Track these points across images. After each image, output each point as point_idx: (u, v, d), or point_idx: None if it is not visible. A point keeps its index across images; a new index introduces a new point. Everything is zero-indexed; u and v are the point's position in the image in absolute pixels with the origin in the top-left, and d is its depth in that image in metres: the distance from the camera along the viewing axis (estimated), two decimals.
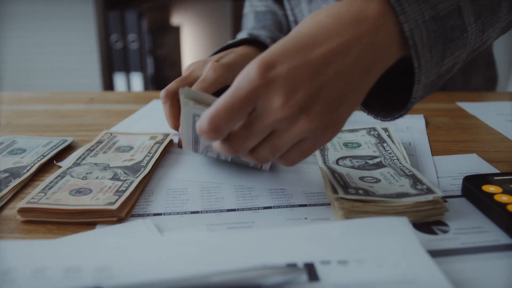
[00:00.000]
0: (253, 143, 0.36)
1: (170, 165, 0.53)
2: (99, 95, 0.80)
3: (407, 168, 0.47)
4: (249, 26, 0.92)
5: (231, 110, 0.34)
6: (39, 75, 2.03)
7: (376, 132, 0.56)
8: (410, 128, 0.63)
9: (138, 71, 1.85)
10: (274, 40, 0.89)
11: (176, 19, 2.07)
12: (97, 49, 1.85)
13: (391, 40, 0.36)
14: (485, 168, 0.51)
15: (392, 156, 0.50)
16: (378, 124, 0.61)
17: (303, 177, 0.49)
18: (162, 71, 1.90)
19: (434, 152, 0.56)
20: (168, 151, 0.56)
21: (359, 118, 0.67)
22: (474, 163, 0.53)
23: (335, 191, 0.42)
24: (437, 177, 0.49)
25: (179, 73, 1.63)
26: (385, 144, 0.53)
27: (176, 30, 2.04)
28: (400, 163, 0.48)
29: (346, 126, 0.62)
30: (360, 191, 0.41)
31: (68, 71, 2.02)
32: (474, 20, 0.40)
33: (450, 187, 0.47)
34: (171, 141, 0.58)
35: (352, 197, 0.40)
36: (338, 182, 0.43)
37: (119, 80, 1.86)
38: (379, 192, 0.42)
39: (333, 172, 0.46)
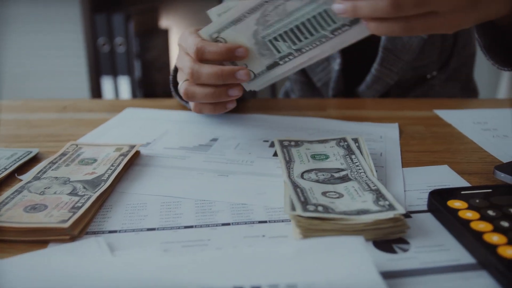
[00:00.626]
0: None
1: (133, 179, 0.51)
2: (72, 103, 0.79)
3: (372, 182, 0.46)
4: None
5: None
6: (26, 78, 2.01)
7: (346, 143, 0.55)
8: (383, 137, 0.62)
9: (125, 75, 1.83)
10: None
11: (165, 22, 2.06)
12: (84, 53, 1.84)
13: None
14: (455, 181, 0.50)
15: (359, 169, 0.49)
16: (348, 134, 0.60)
17: (266, 191, 0.48)
18: (150, 75, 1.89)
19: (405, 163, 0.54)
20: (133, 163, 0.55)
21: (332, 127, 0.66)
22: (444, 176, 0.51)
23: (293, 208, 0.40)
24: (405, 191, 0.48)
25: (167, 77, 1.62)
26: (353, 156, 0.52)
27: (165, 33, 2.02)
28: (366, 176, 0.47)
29: (316, 136, 0.60)
30: (320, 208, 0.40)
31: (55, 74, 2.00)
32: None
33: (416, 202, 0.46)
34: (137, 153, 0.57)
35: (310, 214, 0.39)
36: (298, 198, 0.42)
37: (107, 84, 1.85)
38: (340, 208, 0.41)
39: (295, 187, 0.45)
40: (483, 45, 0.60)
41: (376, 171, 0.52)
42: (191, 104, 0.56)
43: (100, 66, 1.83)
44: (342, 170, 0.49)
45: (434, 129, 0.65)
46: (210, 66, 0.51)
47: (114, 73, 1.84)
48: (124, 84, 1.85)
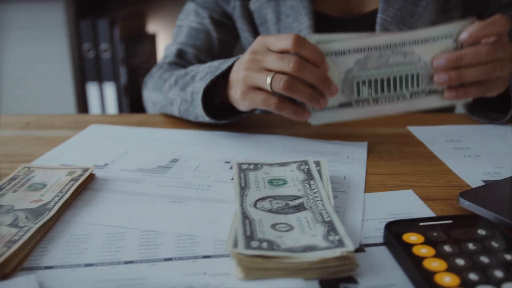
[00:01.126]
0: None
1: (82, 206, 0.49)
2: (36, 119, 0.76)
3: (327, 212, 0.43)
4: (180, 40, 0.90)
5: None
6: (10, 84, 1.99)
7: (307, 167, 0.53)
8: (350, 158, 0.60)
9: (111, 81, 1.81)
10: (199, 61, 0.88)
11: (152, 26, 2.03)
12: (69, 58, 1.81)
13: None
14: (418, 208, 0.48)
15: (316, 197, 0.47)
16: (315, 153, 0.58)
17: (218, 221, 0.45)
18: (136, 81, 1.86)
19: (369, 188, 0.52)
20: (85, 188, 0.53)
21: (298, 146, 0.63)
22: (407, 202, 0.49)
23: (236, 244, 0.38)
24: (363, 220, 0.46)
25: None
26: (312, 182, 0.50)
27: (152, 38, 2.00)
28: (322, 205, 0.45)
29: (281, 157, 0.58)
30: (264, 244, 0.38)
31: (40, 80, 1.98)
32: None
33: (373, 233, 0.44)
34: (91, 176, 0.55)
35: (252, 252, 0.37)
36: (244, 232, 0.40)
37: (92, 90, 1.83)
38: (286, 244, 0.39)
39: (245, 218, 0.43)
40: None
41: (336, 197, 0.50)
42: (272, 103, 0.58)
43: (85, 72, 1.80)
44: (298, 197, 0.47)
45: (404, 148, 0.63)
46: (315, 68, 0.56)
47: (100, 79, 1.82)
48: (110, 91, 1.82)
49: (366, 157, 0.60)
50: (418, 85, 0.59)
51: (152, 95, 0.81)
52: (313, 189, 0.48)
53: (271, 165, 0.54)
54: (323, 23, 0.84)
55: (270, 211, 0.45)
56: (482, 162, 0.59)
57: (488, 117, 0.73)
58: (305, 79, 0.56)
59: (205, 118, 0.66)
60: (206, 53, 0.89)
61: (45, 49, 1.93)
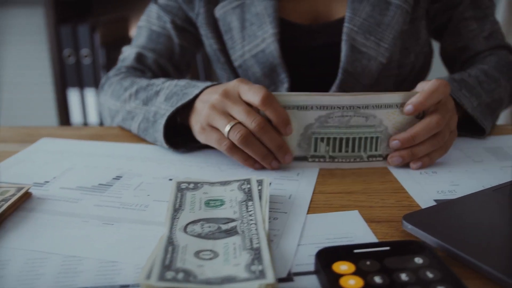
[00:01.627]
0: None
1: (11, 228, 0.47)
2: None
3: (258, 238, 0.41)
4: (140, 43, 0.87)
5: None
6: None
7: (248, 186, 0.50)
8: (301, 175, 0.58)
9: (92, 87, 1.79)
10: (159, 66, 0.85)
11: (134, 31, 2.01)
12: (50, 64, 1.79)
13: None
14: (360, 231, 0.46)
15: (251, 220, 0.44)
16: (258, 173, 0.56)
17: (145, 245, 0.43)
18: None
19: (313, 208, 0.50)
20: (18, 208, 0.51)
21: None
22: (350, 224, 0.47)
23: (149, 275, 0.36)
24: (298, 245, 0.43)
25: None
26: (250, 203, 0.47)
27: None
28: (256, 229, 0.43)
29: (229, 173, 0.56)
30: (180, 275, 0.36)
31: (20, 87, 1.96)
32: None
33: (307, 259, 0.41)
34: (27, 195, 0.53)
35: (164, 284, 0.35)
36: (162, 261, 0.37)
37: (73, 96, 1.81)
38: (205, 274, 0.36)
39: (169, 244, 0.40)
40: None
41: (276, 218, 0.48)
42: (224, 145, 0.58)
43: (66, 78, 1.78)
44: (233, 220, 0.45)
45: (360, 164, 0.61)
46: (276, 133, 0.57)
47: (81, 85, 1.80)
48: (91, 97, 1.80)
49: (317, 174, 0.58)
50: (376, 149, 0.59)
51: (109, 101, 0.78)
52: (250, 211, 0.46)
53: (212, 184, 0.52)
54: (289, 31, 0.82)
55: (199, 235, 0.43)
56: (437, 179, 0.57)
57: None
58: (263, 141, 0.57)
59: (164, 145, 0.65)
60: (167, 58, 0.87)
61: (25, 55, 1.91)
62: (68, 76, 1.78)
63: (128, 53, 0.87)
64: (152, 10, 0.88)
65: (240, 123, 0.56)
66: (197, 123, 0.61)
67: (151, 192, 0.54)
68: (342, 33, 0.78)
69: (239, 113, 0.56)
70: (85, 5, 1.91)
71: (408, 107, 0.57)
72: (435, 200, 0.52)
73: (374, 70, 0.79)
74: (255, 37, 0.80)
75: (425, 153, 0.59)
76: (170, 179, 0.57)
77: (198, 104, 0.62)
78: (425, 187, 0.55)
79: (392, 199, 0.52)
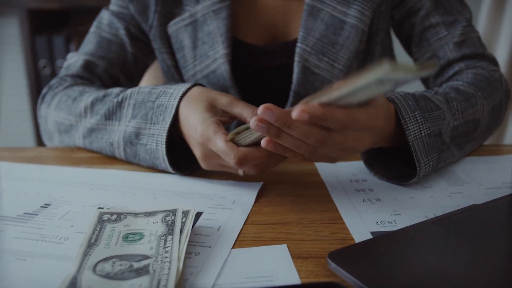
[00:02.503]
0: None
1: None
2: None
3: (166, 279, 0.39)
4: (88, 50, 0.80)
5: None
6: None
7: (172, 218, 0.48)
8: (236, 203, 0.55)
9: None
10: (110, 76, 0.80)
11: None
12: (25, 75, 1.77)
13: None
14: (283, 270, 0.43)
15: (166, 257, 0.42)
16: (193, 201, 0.53)
17: (50, 285, 0.41)
18: None
19: (240, 242, 0.48)
20: None
21: (183, 187, 0.59)
22: (275, 261, 0.45)
23: None
24: (213, 285, 0.41)
25: None
26: (170, 238, 0.45)
27: None
28: (169, 268, 0.40)
29: (162, 200, 0.54)
30: None
31: None
32: (449, 140, 0.61)
33: None
34: None
35: None
36: None
37: None
38: None
39: (71, 285, 0.38)
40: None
41: (198, 254, 0.45)
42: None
43: (41, 89, 1.75)
44: (147, 258, 0.42)
45: (300, 190, 0.59)
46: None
47: None
48: None
49: (253, 202, 0.55)
50: None
51: (55, 113, 0.72)
52: (167, 247, 0.44)
53: (136, 215, 0.49)
54: (243, 52, 0.79)
55: (107, 275, 0.40)
56: (379, 208, 0.54)
57: (389, 173, 0.62)
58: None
59: (169, 170, 0.62)
60: (118, 67, 0.81)
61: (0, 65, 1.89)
62: (43, 87, 1.75)
63: (74, 60, 0.80)
64: (103, 17, 0.82)
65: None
66: (195, 150, 0.59)
67: (76, 223, 0.51)
68: (295, 54, 0.75)
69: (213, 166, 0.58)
70: (61, 15, 1.89)
71: (304, 115, 0.45)
72: (372, 233, 0.49)
73: None
74: (206, 57, 0.77)
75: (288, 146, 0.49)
76: (100, 207, 0.54)
77: (184, 125, 0.59)
78: (365, 217, 0.52)
79: (327, 231, 0.50)
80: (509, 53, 1.82)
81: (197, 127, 0.56)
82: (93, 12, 0.82)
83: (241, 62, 0.78)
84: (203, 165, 0.59)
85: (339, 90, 0.43)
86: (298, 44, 0.75)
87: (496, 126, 0.74)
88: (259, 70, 0.81)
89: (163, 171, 0.63)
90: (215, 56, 0.76)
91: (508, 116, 0.79)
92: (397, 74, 0.38)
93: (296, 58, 0.75)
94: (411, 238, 0.47)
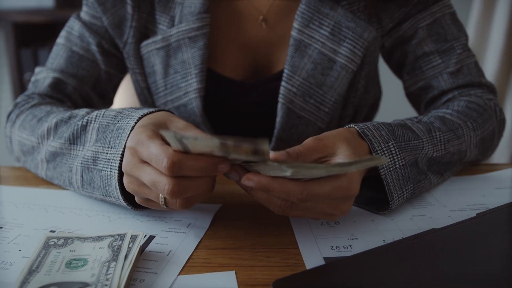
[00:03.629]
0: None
1: None
2: None
3: None
4: (58, 66, 0.75)
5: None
6: None
7: (119, 243, 0.47)
8: (192, 226, 0.54)
9: None
10: (81, 95, 0.75)
11: None
12: (10, 87, 1.77)
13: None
14: None
15: (106, 285, 0.41)
16: (146, 225, 0.52)
17: None
18: None
19: (188, 268, 0.47)
20: None
21: (145, 210, 0.58)
22: None
23: None
24: None
25: None
26: (113, 264, 0.44)
27: None
28: None
29: (106, 229, 0.53)
30: None
31: None
32: (427, 169, 0.60)
33: None
34: None
35: None
36: None
37: None
38: None
39: None
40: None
41: (143, 280, 0.44)
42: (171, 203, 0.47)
43: None
44: (87, 285, 0.41)
45: (260, 212, 0.58)
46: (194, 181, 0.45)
47: None
48: None
49: (207, 226, 0.54)
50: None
51: (18, 133, 0.67)
52: (109, 274, 0.43)
53: (83, 240, 0.48)
54: (218, 86, 0.74)
55: None
56: (336, 232, 0.54)
57: (362, 200, 0.60)
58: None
59: (122, 203, 0.54)
60: (90, 86, 0.76)
61: None
62: None
63: (42, 77, 0.75)
64: (73, 27, 0.76)
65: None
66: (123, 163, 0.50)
67: (24, 247, 0.50)
68: (279, 94, 0.70)
69: (150, 179, 0.46)
70: (46, 29, 1.89)
71: (250, 183, 0.45)
72: (325, 259, 0.48)
73: (311, 136, 0.69)
74: (178, 88, 0.73)
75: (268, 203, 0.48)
76: (52, 231, 0.53)
77: (127, 141, 0.50)
78: (320, 242, 0.51)
79: (279, 257, 0.49)
80: (499, 53, 1.83)
81: (132, 134, 0.49)
82: None
83: (216, 97, 0.74)
84: (125, 181, 0.50)
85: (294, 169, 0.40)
86: (283, 84, 0.70)
87: (486, 157, 0.72)
88: (236, 107, 0.76)
89: None
90: (187, 89, 0.72)
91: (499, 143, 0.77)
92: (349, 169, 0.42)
93: (280, 100, 0.71)
94: (363, 264, 0.46)
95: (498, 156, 1.88)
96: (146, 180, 0.46)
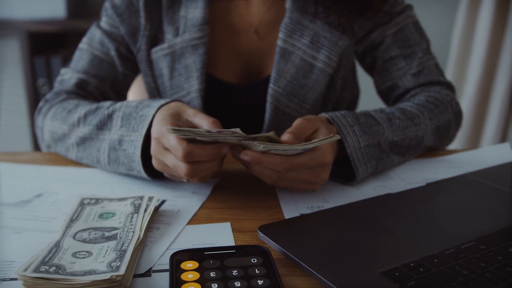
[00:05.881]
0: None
1: None
2: None
3: (129, 243, 0.50)
4: (81, 67, 0.87)
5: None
6: None
7: (139, 202, 0.60)
8: (195, 193, 0.67)
9: None
10: (101, 93, 0.87)
11: None
12: (24, 93, 1.89)
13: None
14: (224, 239, 0.55)
15: (131, 228, 0.54)
16: (156, 192, 0.65)
17: (38, 249, 0.52)
18: None
19: (193, 221, 0.59)
20: None
21: (157, 182, 0.70)
22: (218, 234, 0.56)
23: (26, 268, 0.45)
24: (167, 249, 0.53)
25: None
26: (135, 215, 0.57)
27: None
28: (132, 236, 0.52)
29: (123, 194, 0.65)
30: (52, 269, 0.45)
31: None
32: (389, 150, 0.73)
33: (167, 260, 0.50)
34: None
35: (36, 275, 0.44)
36: (42, 258, 0.47)
37: None
38: (74, 269, 0.45)
39: (55, 246, 0.50)
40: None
41: (158, 228, 0.57)
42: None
43: None
44: (116, 229, 0.54)
45: (251, 185, 0.70)
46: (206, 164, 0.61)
47: None
48: None
49: (209, 192, 0.67)
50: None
51: (50, 123, 0.79)
52: (133, 221, 0.55)
53: (110, 200, 0.61)
54: (216, 88, 0.86)
55: (84, 240, 0.52)
56: (312, 196, 0.66)
57: (334, 173, 0.71)
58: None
59: (143, 175, 0.68)
60: (109, 85, 0.88)
61: (1, 84, 2.02)
62: None
63: (68, 77, 0.86)
64: (95, 34, 0.88)
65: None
66: (151, 146, 0.64)
67: (62, 208, 0.63)
68: (267, 95, 0.83)
69: (169, 162, 0.61)
70: (59, 38, 2.02)
71: (246, 157, 0.59)
72: (302, 215, 0.61)
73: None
74: (181, 88, 0.85)
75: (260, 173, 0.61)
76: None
77: (152, 130, 0.64)
78: (298, 204, 0.64)
79: (265, 213, 0.61)
80: (485, 51, 1.96)
81: (155, 125, 0.63)
82: None
83: (214, 98, 0.86)
84: (154, 162, 0.64)
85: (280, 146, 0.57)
86: (271, 85, 0.82)
87: (443, 142, 0.85)
88: (231, 106, 0.88)
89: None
90: (189, 89, 0.84)
91: (457, 134, 0.90)
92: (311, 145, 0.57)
93: (269, 99, 0.83)
94: (328, 217, 0.59)
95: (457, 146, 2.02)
96: (168, 163, 0.61)
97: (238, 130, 0.56)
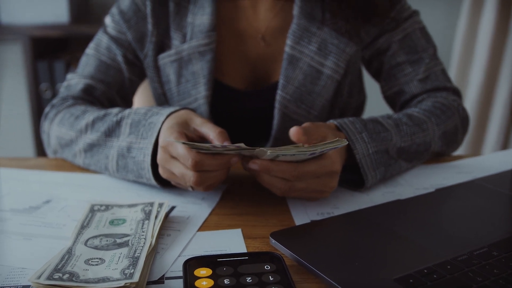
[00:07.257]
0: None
1: None
2: None
3: (141, 250, 0.50)
4: (88, 73, 0.86)
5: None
6: None
7: (150, 208, 0.59)
8: (205, 199, 0.67)
9: None
10: (108, 98, 0.87)
11: None
12: (27, 97, 1.90)
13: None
14: (235, 245, 0.55)
15: (142, 235, 0.54)
16: (166, 199, 0.65)
17: (51, 255, 0.52)
18: None
19: (204, 227, 0.59)
20: None
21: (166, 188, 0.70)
22: (229, 240, 0.56)
23: (39, 276, 0.45)
24: (178, 256, 0.53)
25: None
26: (146, 222, 0.57)
27: None
28: (144, 243, 0.52)
29: (133, 201, 0.65)
30: (65, 276, 0.45)
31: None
32: (397, 156, 0.73)
33: (181, 267, 0.50)
34: None
35: (49, 282, 0.44)
36: (56, 265, 0.46)
37: None
38: (87, 276, 0.45)
39: (67, 253, 0.49)
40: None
41: (169, 235, 0.57)
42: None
43: (42, 110, 1.88)
44: (127, 235, 0.54)
45: (259, 190, 0.70)
46: (206, 177, 0.59)
47: None
48: None
49: (218, 199, 0.67)
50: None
51: (57, 129, 0.79)
52: (144, 228, 0.55)
53: (120, 206, 0.61)
54: (223, 94, 0.86)
55: (95, 247, 0.52)
56: (322, 203, 0.66)
57: (344, 180, 0.71)
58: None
59: (152, 183, 0.68)
60: (115, 91, 0.88)
61: (3, 89, 2.02)
62: (44, 108, 1.88)
63: (74, 82, 0.86)
64: (102, 40, 0.88)
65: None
66: (158, 155, 0.64)
67: (71, 214, 0.63)
68: (275, 101, 0.83)
69: (178, 171, 0.61)
70: (61, 43, 2.03)
71: (254, 166, 0.59)
72: (312, 221, 0.61)
73: None
74: (188, 94, 0.85)
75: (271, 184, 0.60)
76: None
77: (159, 139, 0.64)
78: (308, 209, 0.64)
79: (276, 219, 0.61)
80: (487, 56, 1.96)
81: (163, 133, 0.63)
82: (90, 40, 0.91)
83: (221, 104, 0.86)
84: (160, 170, 0.64)
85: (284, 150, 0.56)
86: (279, 92, 0.82)
87: (450, 148, 0.85)
88: (239, 112, 0.88)
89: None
90: (196, 95, 0.84)
91: (464, 139, 0.90)
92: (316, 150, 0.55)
93: (277, 105, 0.82)
94: (339, 223, 0.59)
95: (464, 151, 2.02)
96: (176, 172, 0.61)
97: (242, 145, 0.56)
